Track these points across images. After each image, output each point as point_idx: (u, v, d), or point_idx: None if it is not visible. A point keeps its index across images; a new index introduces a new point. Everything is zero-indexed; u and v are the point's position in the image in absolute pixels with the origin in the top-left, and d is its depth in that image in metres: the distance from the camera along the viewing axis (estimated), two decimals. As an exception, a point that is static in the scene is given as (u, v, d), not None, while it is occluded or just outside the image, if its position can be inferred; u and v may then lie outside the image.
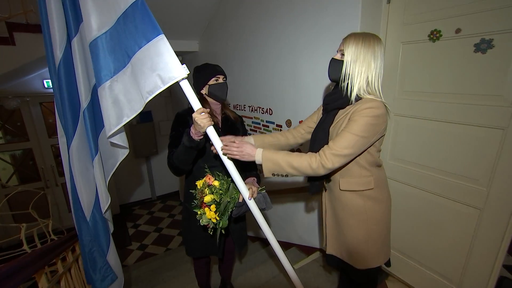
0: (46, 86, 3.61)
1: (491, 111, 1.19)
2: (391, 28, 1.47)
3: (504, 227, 1.22)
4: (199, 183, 1.15)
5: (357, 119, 0.98)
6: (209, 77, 1.34)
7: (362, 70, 0.99)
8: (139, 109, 0.99)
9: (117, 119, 1.02)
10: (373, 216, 1.12)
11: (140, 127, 4.47)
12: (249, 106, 2.54)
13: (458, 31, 1.23)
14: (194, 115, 1.02)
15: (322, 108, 1.23)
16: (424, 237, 1.53)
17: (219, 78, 1.36)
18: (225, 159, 1.08)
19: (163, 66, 0.89)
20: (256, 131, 2.51)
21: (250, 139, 1.30)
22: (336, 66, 1.05)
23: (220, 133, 1.35)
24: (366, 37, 0.99)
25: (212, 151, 1.12)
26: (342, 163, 1.02)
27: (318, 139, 1.13)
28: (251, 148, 1.07)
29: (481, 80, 1.20)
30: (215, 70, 1.35)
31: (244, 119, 2.65)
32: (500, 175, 1.20)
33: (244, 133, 1.55)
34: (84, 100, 1.16)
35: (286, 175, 1.08)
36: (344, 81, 1.03)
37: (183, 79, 0.94)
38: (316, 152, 1.05)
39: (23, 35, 2.48)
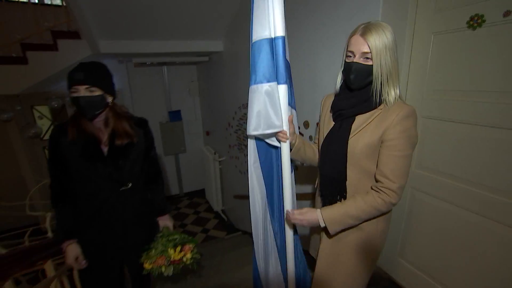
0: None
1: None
2: (420, 17, 1.26)
3: None
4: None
5: (401, 135, 0.87)
6: (68, 89, 1.07)
7: (396, 73, 0.88)
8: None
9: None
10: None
11: (170, 126, 4.65)
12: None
13: (507, 13, 1.00)
14: None
15: (323, 115, 1.09)
16: (459, 263, 1.28)
17: (78, 90, 1.05)
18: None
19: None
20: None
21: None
22: (363, 72, 0.88)
23: (108, 162, 1.16)
24: (385, 30, 0.84)
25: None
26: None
27: (332, 153, 0.98)
28: (312, 215, 0.96)
29: (538, 74, 0.96)
30: (71, 78, 1.05)
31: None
32: None
33: (149, 148, 1.32)
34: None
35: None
36: (376, 87, 0.88)
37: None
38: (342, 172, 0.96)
39: (65, 42, 2.72)
